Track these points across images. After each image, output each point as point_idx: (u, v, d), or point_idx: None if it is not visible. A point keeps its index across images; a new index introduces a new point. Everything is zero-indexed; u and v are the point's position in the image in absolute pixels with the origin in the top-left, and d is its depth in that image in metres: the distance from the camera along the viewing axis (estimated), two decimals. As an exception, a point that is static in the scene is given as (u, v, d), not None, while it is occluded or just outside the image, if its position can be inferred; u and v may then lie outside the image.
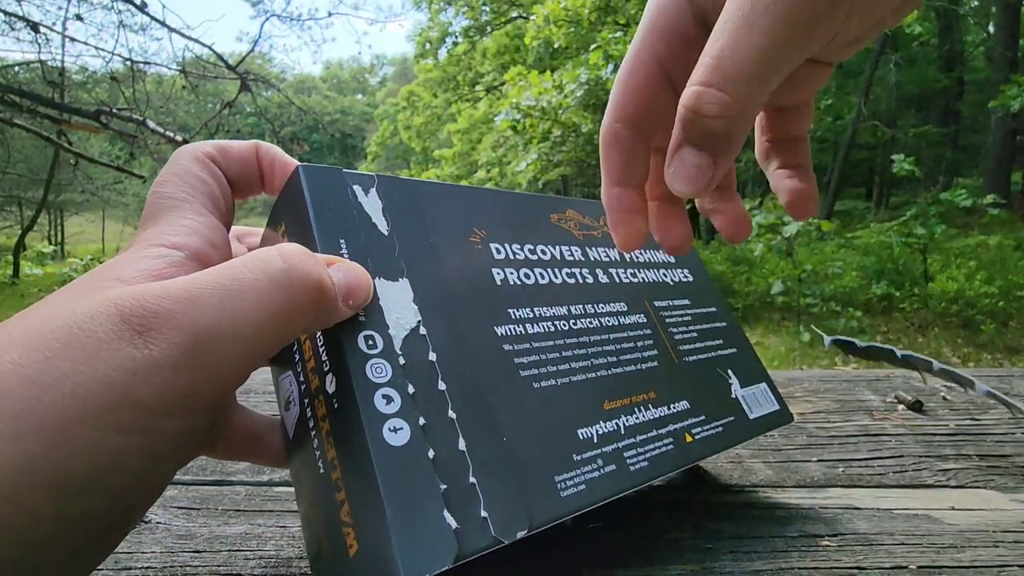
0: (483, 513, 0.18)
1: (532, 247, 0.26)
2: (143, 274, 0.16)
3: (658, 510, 0.30)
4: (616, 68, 6.89)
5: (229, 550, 0.26)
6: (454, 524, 0.17)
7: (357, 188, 0.21)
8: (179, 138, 4.92)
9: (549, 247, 0.27)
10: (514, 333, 0.23)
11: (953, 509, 0.31)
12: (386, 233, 0.21)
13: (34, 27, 4.41)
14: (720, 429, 0.28)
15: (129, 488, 0.15)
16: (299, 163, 0.21)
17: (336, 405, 0.18)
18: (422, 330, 0.20)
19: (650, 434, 0.25)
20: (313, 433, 0.20)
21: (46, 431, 0.13)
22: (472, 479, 0.18)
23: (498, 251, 0.25)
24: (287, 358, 0.22)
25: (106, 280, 0.16)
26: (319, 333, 0.20)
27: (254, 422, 0.23)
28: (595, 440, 0.23)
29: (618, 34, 6.21)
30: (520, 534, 0.18)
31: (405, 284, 0.21)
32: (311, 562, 0.20)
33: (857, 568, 0.26)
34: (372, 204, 0.22)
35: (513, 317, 0.23)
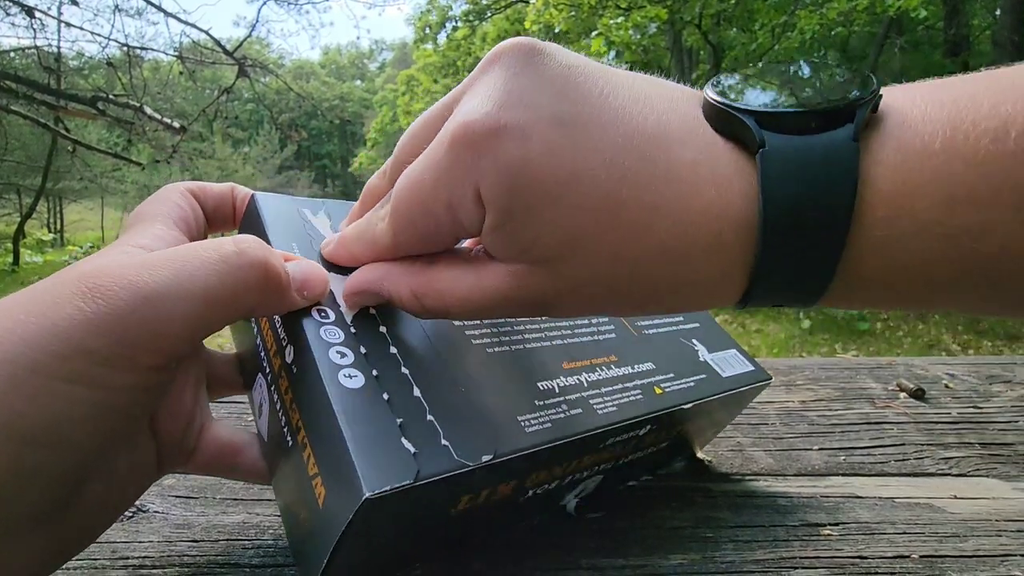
0: (444, 442, 0.18)
1: None
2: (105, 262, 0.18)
3: (658, 499, 0.30)
4: (618, 54, 6.84)
5: (228, 539, 0.26)
6: (412, 449, 0.18)
7: (306, 211, 0.24)
8: (176, 124, 4.89)
9: None
10: None
11: (955, 498, 0.31)
12: None
13: (29, 12, 4.36)
14: (692, 384, 0.28)
15: (85, 445, 0.16)
16: (254, 193, 0.24)
17: (295, 370, 0.20)
18: (371, 311, 0.21)
19: (616, 387, 0.25)
20: (280, 413, 0.20)
21: (1, 378, 0.14)
22: (430, 417, 0.19)
23: None
24: (257, 366, 0.23)
25: (74, 266, 0.17)
26: (279, 323, 0.21)
27: (230, 436, 0.23)
28: (556, 391, 0.23)
29: (620, 19, 6.14)
30: (486, 458, 0.19)
31: None
32: (293, 556, 0.20)
33: (859, 557, 0.25)
34: (320, 222, 0.24)
35: None
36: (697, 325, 0.32)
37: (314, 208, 0.25)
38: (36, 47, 4.57)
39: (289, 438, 0.20)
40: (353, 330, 0.20)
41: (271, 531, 0.26)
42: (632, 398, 0.25)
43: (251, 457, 0.23)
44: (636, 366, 0.27)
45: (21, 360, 0.14)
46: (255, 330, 0.23)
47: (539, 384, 0.23)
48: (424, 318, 0.21)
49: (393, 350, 0.20)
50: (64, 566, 0.23)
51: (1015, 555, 0.26)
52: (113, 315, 0.15)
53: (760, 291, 0.17)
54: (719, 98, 0.17)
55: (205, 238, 0.23)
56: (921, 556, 0.26)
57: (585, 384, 0.24)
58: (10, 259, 6.11)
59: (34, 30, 4.46)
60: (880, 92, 0.16)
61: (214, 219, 0.24)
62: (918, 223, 0.14)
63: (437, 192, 0.17)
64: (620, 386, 0.25)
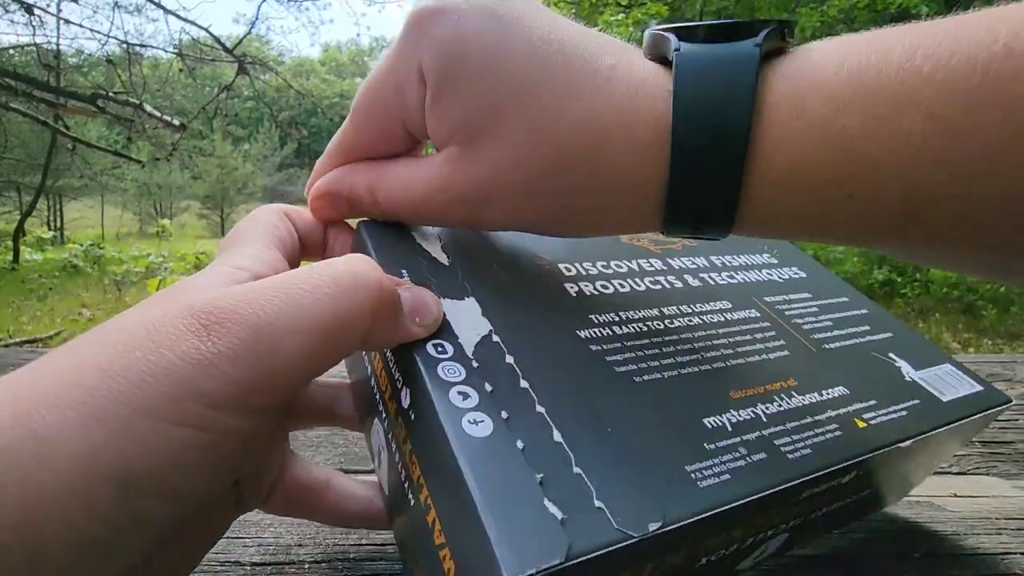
0: (597, 504, 0.15)
1: (605, 263, 0.25)
2: (211, 285, 0.17)
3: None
4: (618, 51, 6.81)
5: (227, 537, 0.26)
6: (559, 514, 0.14)
7: (415, 233, 0.22)
8: (176, 122, 4.88)
9: (625, 261, 0.26)
10: (600, 335, 0.21)
11: (955, 496, 0.31)
12: (447, 263, 0.21)
13: (28, 8, 4.35)
14: (904, 412, 0.22)
15: (190, 494, 0.15)
16: (361, 221, 0.23)
17: (413, 416, 0.17)
18: (495, 338, 0.19)
19: (804, 421, 0.20)
20: (400, 466, 0.18)
21: (109, 419, 0.13)
22: (577, 469, 0.15)
23: (568, 269, 0.24)
24: (372, 408, 0.21)
25: (180, 291, 0.17)
26: (392, 360, 0.19)
27: (310, 474, 0.22)
28: (729, 429, 0.19)
29: (620, 16, 6.13)
30: (653, 527, 0.15)
31: (472, 302, 0.20)
32: None
33: (859, 555, 0.25)
34: (431, 244, 0.22)
35: (596, 322, 0.21)
36: (891, 335, 0.27)
37: (424, 232, 0.23)
38: (35, 44, 4.56)
39: (411, 497, 0.17)
40: (475, 363, 0.18)
41: (271, 528, 0.26)
42: (829, 436, 0.20)
43: (333, 499, 0.22)
44: (825, 392, 0.22)
45: (132, 401, 0.13)
46: (368, 370, 0.21)
47: (705, 421, 0.18)
48: (380, 218, 0.22)
49: (524, 384, 0.17)
50: (65, 564, 0.23)
51: (1014, 553, 0.26)
52: (227, 354, 0.14)
53: (678, 190, 0.17)
54: (651, 28, 0.19)
55: (299, 258, 0.23)
56: (921, 555, 0.26)
57: (764, 419, 0.19)
58: (10, 256, 6.11)
59: (33, 27, 4.45)
60: (789, 24, 0.18)
61: (305, 243, 0.23)
62: (808, 123, 0.16)
63: (388, 76, 0.19)
64: (809, 419, 0.20)
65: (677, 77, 0.17)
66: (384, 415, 0.19)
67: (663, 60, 0.18)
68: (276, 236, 0.21)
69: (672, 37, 0.18)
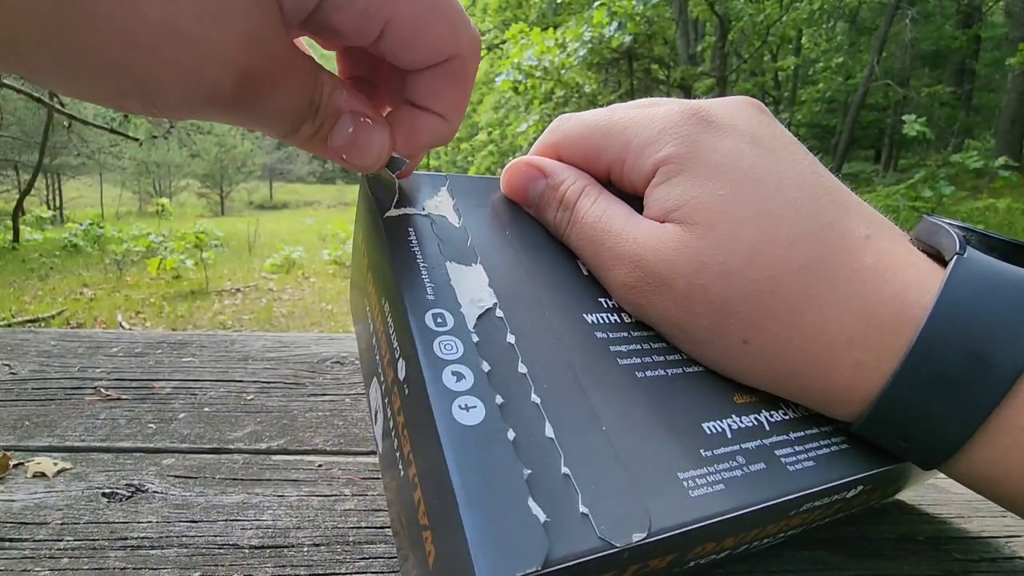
0: (582, 508, 0.14)
1: None
2: None
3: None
4: (620, 26, 6.68)
5: (226, 520, 0.25)
6: (542, 516, 0.14)
7: (427, 187, 0.22)
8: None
9: None
10: (607, 321, 0.20)
11: (960, 478, 0.30)
12: (458, 225, 0.21)
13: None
14: None
15: None
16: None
17: (407, 391, 0.17)
18: (499, 312, 0.18)
19: (810, 431, 0.19)
20: (393, 433, 0.18)
21: None
22: (565, 469, 0.15)
23: None
24: (372, 367, 0.21)
25: None
26: (392, 327, 0.18)
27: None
28: (728, 435, 0.18)
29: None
30: (637, 537, 0.14)
31: (479, 269, 0.19)
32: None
33: (863, 539, 0.25)
34: (442, 201, 0.22)
35: (605, 306, 0.20)
36: None
37: (436, 183, 0.22)
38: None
39: (401, 468, 0.17)
40: (476, 339, 0.17)
41: (269, 511, 0.26)
42: (834, 448, 0.19)
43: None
44: None
45: None
46: (371, 327, 0.21)
47: (704, 426, 0.18)
48: (552, 226, 0.22)
49: (523, 369, 0.17)
50: (62, 547, 0.23)
51: (1020, 536, 0.26)
52: None
53: (903, 383, 0.16)
54: (930, 216, 0.18)
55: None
56: (926, 538, 0.25)
57: (766, 427, 0.18)
58: (10, 236, 6.10)
59: None
60: None
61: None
62: None
63: (622, 133, 0.21)
64: (815, 430, 0.19)
65: (946, 289, 0.15)
66: (382, 378, 0.19)
67: (930, 251, 0.17)
68: None
69: (957, 236, 0.16)
